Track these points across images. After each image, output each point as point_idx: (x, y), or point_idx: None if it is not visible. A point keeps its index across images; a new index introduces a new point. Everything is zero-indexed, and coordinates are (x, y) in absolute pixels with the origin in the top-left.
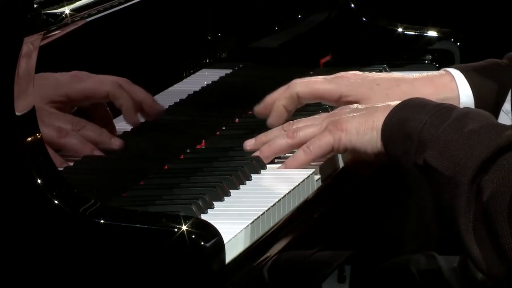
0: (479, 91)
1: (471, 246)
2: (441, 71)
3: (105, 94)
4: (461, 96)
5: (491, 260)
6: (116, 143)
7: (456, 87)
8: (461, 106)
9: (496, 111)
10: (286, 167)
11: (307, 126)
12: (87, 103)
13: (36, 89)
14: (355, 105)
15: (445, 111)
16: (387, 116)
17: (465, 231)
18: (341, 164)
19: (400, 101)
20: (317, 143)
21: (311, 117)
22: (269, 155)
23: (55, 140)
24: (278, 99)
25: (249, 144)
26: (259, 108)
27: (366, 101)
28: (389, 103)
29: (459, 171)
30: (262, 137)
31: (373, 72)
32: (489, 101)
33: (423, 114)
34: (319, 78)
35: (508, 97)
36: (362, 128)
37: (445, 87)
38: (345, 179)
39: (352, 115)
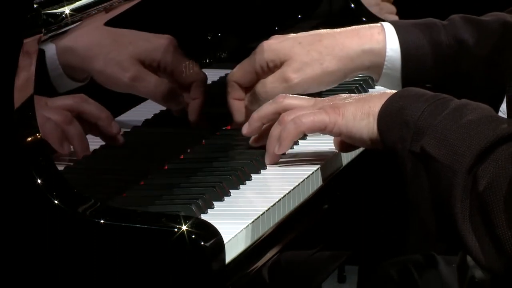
0: (407, 47)
1: (467, 236)
2: (373, 24)
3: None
4: (387, 49)
5: (488, 252)
6: (116, 127)
7: (384, 39)
8: (387, 59)
9: (425, 72)
10: (280, 143)
11: (296, 98)
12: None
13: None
14: (346, 94)
15: (443, 101)
16: (384, 104)
17: (462, 221)
18: (342, 164)
19: (396, 91)
20: (311, 117)
21: (303, 96)
22: (257, 119)
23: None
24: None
25: (246, 129)
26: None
27: (289, 61)
28: (386, 91)
29: (457, 159)
30: (255, 115)
31: (299, 33)
32: (416, 59)
33: (421, 103)
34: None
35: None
36: (359, 114)
37: (371, 38)
38: (345, 179)
39: (347, 101)
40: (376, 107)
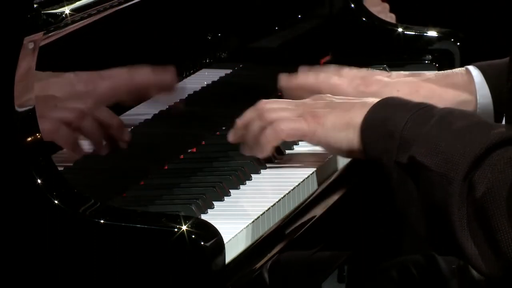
0: (497, 92)
1: (465, 243)
2: (462, 70)
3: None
4: (478, 97)
5: (487, 257)
6: (127, 134)
7: (475, 89)
8: (479, 106)
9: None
10: (261, 149)
11: (281, 109)
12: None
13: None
14: (330, 97)
15: (426, 110)
16: (366, 115)
17: (460, 228)
18: (340, 165)
19: (377, 100)
20: (291, 124)
21: (284, 100)
22: (241, 126)
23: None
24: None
25: (231, 137)
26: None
27: None
28: (366, 100)
29: (452, 167)
30: (238, 122)
31: (394, 73)
32: None
33: (404, 112)
34: (345, 83)
35: None
36: (339, 124)
37: (464, 89)
38: (345, 179)
39: (328, 109)
40: (357, 117)
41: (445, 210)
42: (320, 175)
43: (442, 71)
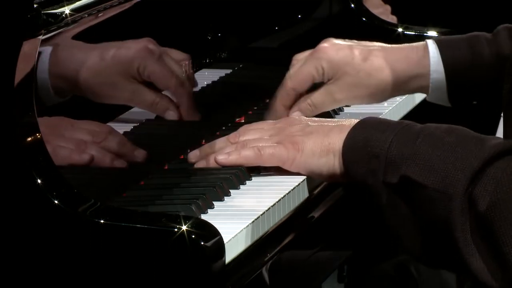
0: (451, 68)
1: (470, 259)
2: (419, 45)
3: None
4: (431, 73)
5: (493, 271)
6: (139, 155)
7: (429, 64)
8: (431, 81)
9: (473, 90)
10: (229, 159)
11: (256, 140)
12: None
13: (110, 66)
14: (305, 120)
15: (408, 128)
16: (346, 138)
17: (464, 244)
18: None
19: (355, 122)
20: (270, 150)
21: (258, 126)
22: (215, 164)
23: (73, 155)
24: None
25: (193, 156)
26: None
27: (339, 79)
28: (343, 123)
29: (450, 183)
30: (207, 148)
31: (350, 43)
32: (461, 79)
33: (386, 133)
34: (300, 63)
35: None
36: (318, 150)
37: (418, 63)
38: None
39: (306, 134)
40: (336, 143)
41: (447, 227)
42: None
43: (399, 45)
